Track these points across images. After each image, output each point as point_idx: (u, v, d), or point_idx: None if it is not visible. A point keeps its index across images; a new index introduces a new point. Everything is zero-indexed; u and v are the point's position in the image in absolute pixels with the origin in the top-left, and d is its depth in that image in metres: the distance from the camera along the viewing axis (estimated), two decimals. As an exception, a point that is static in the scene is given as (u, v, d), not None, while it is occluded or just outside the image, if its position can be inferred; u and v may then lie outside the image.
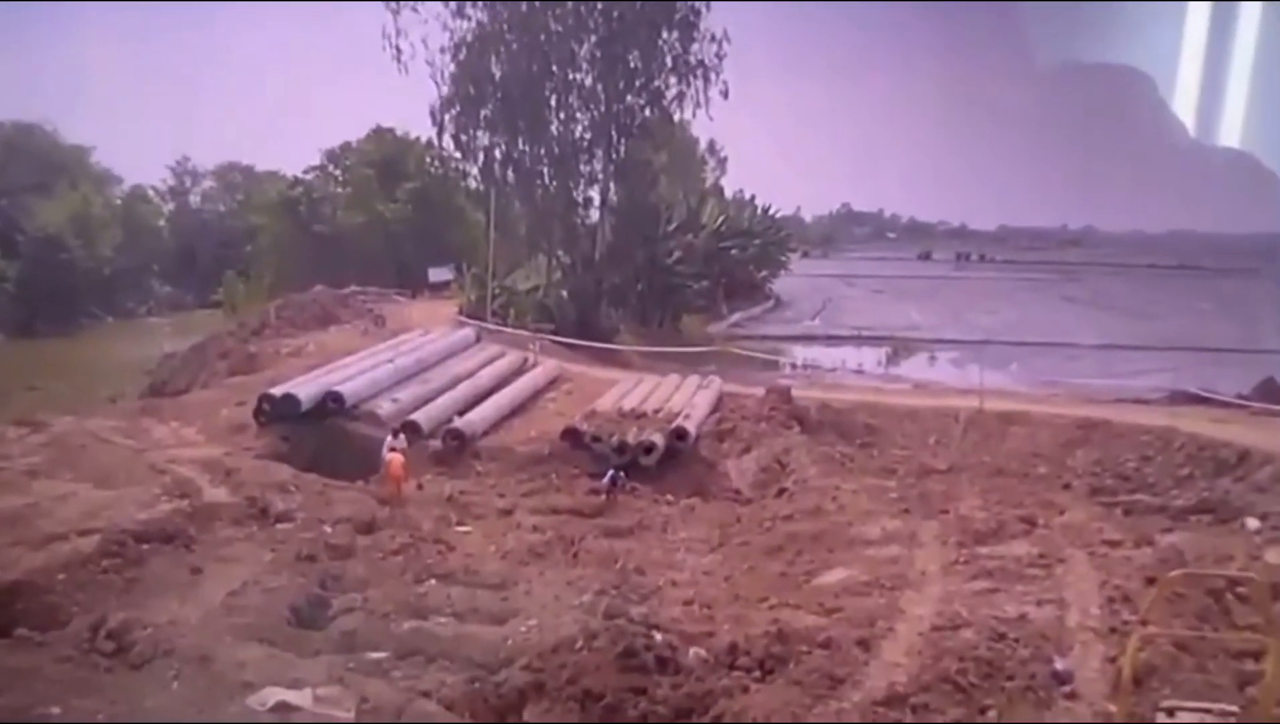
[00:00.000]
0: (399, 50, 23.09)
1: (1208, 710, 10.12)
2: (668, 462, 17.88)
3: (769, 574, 14.24)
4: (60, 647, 11.76)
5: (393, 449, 16.97)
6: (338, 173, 37.03)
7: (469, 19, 22.96)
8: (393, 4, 21.11)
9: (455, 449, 18.80)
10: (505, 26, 22.94)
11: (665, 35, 22.82)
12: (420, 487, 17.23)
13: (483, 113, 22.80)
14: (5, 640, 11.83)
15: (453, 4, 21.24)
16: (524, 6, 21.46)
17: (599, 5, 20.19)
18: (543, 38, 23.06)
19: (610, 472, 17.24)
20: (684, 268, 29.48)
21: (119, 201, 38.37)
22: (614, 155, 24.06)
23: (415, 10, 20.46)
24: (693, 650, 11.80)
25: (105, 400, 21.38)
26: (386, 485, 17.05)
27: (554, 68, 24.02)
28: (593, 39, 22.15)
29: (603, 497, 16.91)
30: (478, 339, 24.64)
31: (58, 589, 12.74)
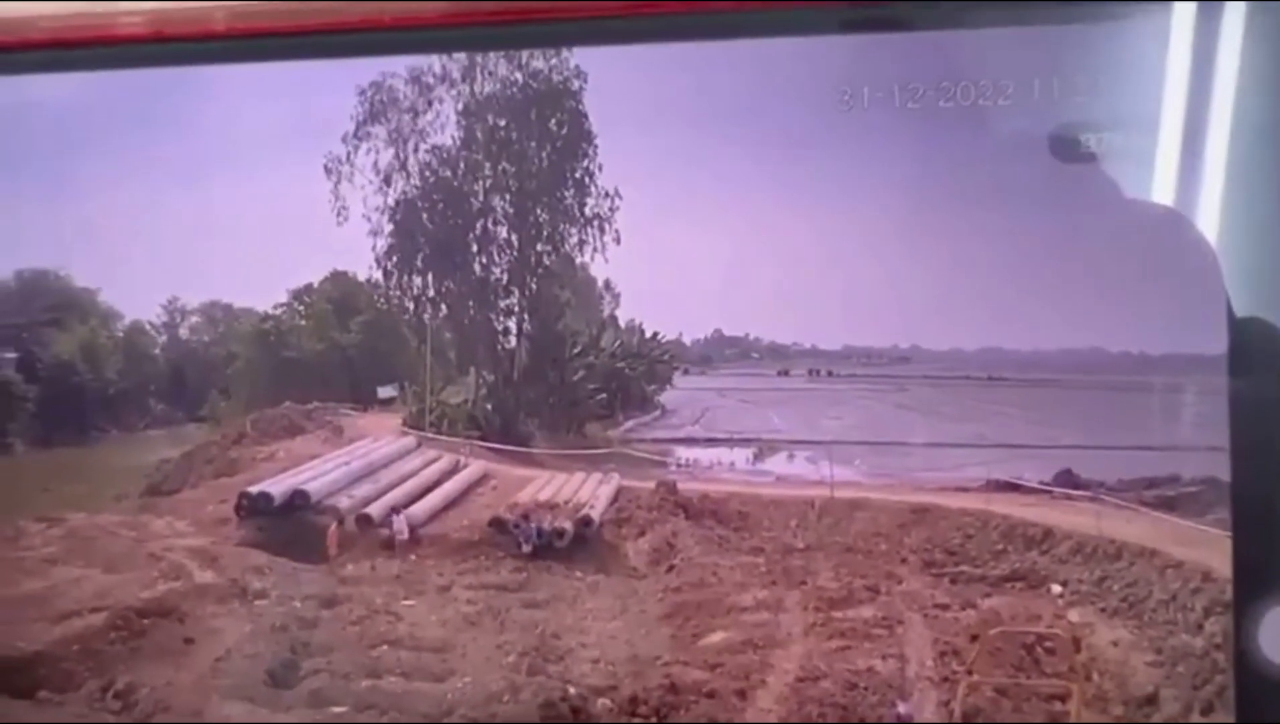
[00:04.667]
0: (340, 211, 22.89)
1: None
2: (576, 545, 17.80)
3: (662, 637, 14.15)
4: (75, 706, 11.91)
5: (340, 523, 17.24)
6: (301, 308, 36.15)
7: (397, 184, 22.92)
8: (332, 175, 21.02)
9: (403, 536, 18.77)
10: (433, 190, 22.84)
11: (565, 193, 22.73)
12: (373, 568, 17.09)
13: (417, 260, 22.66)
14: (29, 701, 11.81)
15: (380, 175, 21.26)
16: (447, 173, 21.44)
17: (511, 170, 20.22)
18: (464, 204, 22.99)
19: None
20: (587, 384, 29.23)
21: (121, 334, 37.31)
22: (527, 293, 23.90)
23: (350, 181, 20.41)
24: (600, 701, 11.82)
25: (111, 499, 21.00)
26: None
27: (475, 222, 23.91)
28: (507, 197, 22.04)
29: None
30: (418, 445, 24.41)
31: (72, 657, 12.56)
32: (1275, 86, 5.59)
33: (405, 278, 20.93)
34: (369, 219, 18.99)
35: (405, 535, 16.96)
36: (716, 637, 13.70)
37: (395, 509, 17.29)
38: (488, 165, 19.78)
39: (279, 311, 24.70)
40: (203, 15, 6.86)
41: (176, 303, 22.85)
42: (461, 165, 19.83)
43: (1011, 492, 16.87)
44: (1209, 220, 5.78)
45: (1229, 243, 5.68)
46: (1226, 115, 5.71)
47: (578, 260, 20.54)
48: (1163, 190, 6.03)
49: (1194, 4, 5.85)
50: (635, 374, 24.55)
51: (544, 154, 19.70)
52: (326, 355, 24.54)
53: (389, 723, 11.81)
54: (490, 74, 17.59)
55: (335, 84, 14.03)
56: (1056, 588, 14.26)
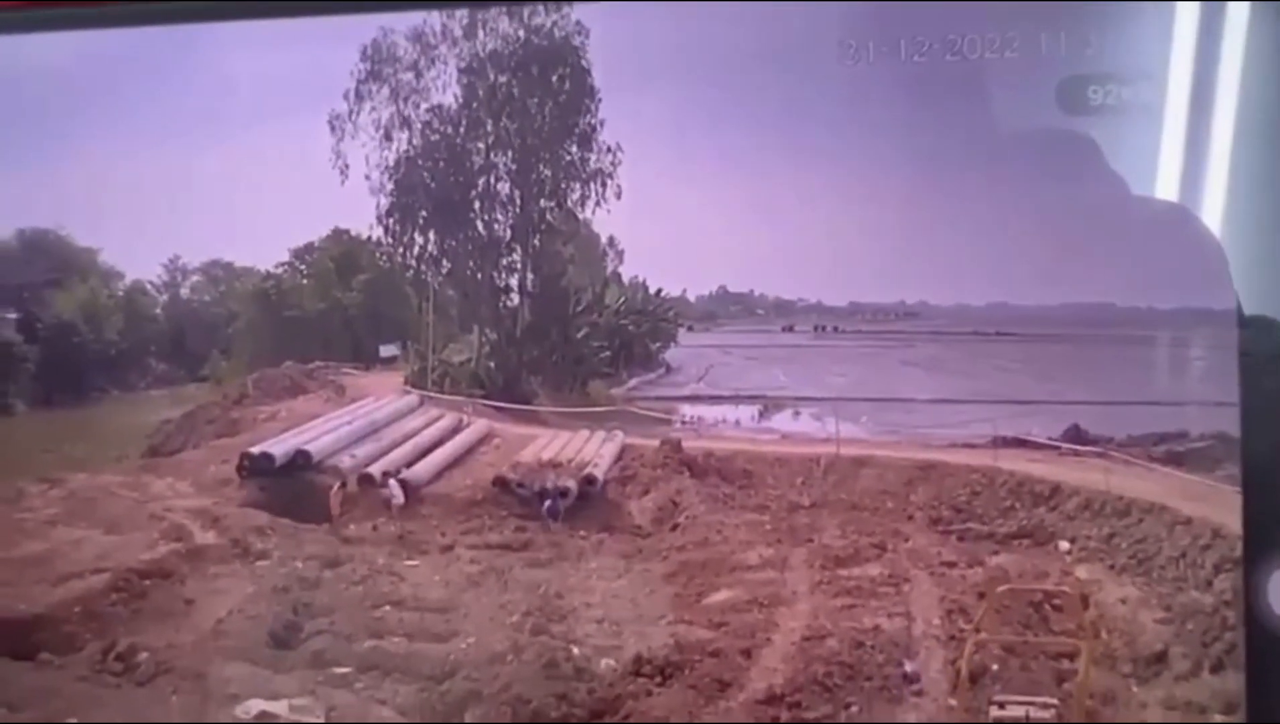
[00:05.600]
0: (345, 166, 22.64)
1: (1031, 703, 10.29)
2: (580, 503, 17.80)
3: (666, 595, 14.18)
4: (76, 668, 11.93)
5: (343, 485, 17.27)
6: (303, 267, 35.91)
7: (399, 142, 22.75)
8: (335, 132, 20.86)
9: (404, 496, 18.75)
10: (434, 148, 22.70)
11: (568, 149, 22.58)
12: (375, 528, 17.10)
13: (419, 217, 22.57)
14: (30, 663, 11.90)
15: (381, 132, 21.11)
16: (449, 130, 21.32)
17: (513, 126, 20.12)
18: (466, 161, 22.81)
19: (549, 501, 17.25)
20: (591, 342, 29.10)
21: (121, 294, 37.12)
22: (530, 249, 23.84)
23: (353, 139, 20.28)
24: (604, 661, 11.88)
25: (112, 460, 20.97)
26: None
27: (478, 179, 23.79)
28: (509, 153, 21.93)
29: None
30: (421, 404, 24.38)
31: (74, 619, 12.66)
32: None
33: (407, 236, 20.91)
34: (370, 177, 18.95)
35: (400, 500, 16.98)
36: (721, 595, 13.70)
37: (387, 474, 17.30)
38: (490, 122, 19.74)
39: (280, 270, 24.61)
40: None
41: (178, 262, 22.72)
42: (463, 123, 19.79)
43: (1019, 448, 16.85)
44: (1218, 175, 5.76)
45: (1238, 196, 5.67)
46: (1235, 71, 5.69)
47: (580, 216, 20.50)
48: (1170, 144, 6.01)
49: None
50: (639, 331, 24.48)
51: (546, 109, 19.66)
52: (328, 314, 24.50)
53: (392, 683, 11.87)
54: (492, 30, 17.55)
55: (337, 43, 14.03)
56: (1065, 545, 14.27)
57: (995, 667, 11.16)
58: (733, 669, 11.68)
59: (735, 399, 23.02)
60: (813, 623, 12.67)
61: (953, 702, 10.73)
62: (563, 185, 20.54)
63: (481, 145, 20.05)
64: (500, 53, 18.26)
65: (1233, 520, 5.99)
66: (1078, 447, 16.21)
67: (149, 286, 22.31)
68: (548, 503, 16.72)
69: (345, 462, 17.78)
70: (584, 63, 17.69)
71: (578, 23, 17.08)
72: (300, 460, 17.77)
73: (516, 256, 21.76)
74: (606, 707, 11.19)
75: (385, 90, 18.75)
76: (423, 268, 22.18)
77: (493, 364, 22.52)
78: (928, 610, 12.93)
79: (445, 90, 18.88)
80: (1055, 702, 10.31)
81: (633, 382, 24.64)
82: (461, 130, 19.96)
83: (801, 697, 10.96)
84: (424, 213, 20.85)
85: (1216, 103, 5.77)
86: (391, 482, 17.09)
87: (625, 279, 23.78)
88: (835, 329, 21.53)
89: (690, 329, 23.27)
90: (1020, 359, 18.39)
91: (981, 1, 6.90)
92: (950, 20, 7.04)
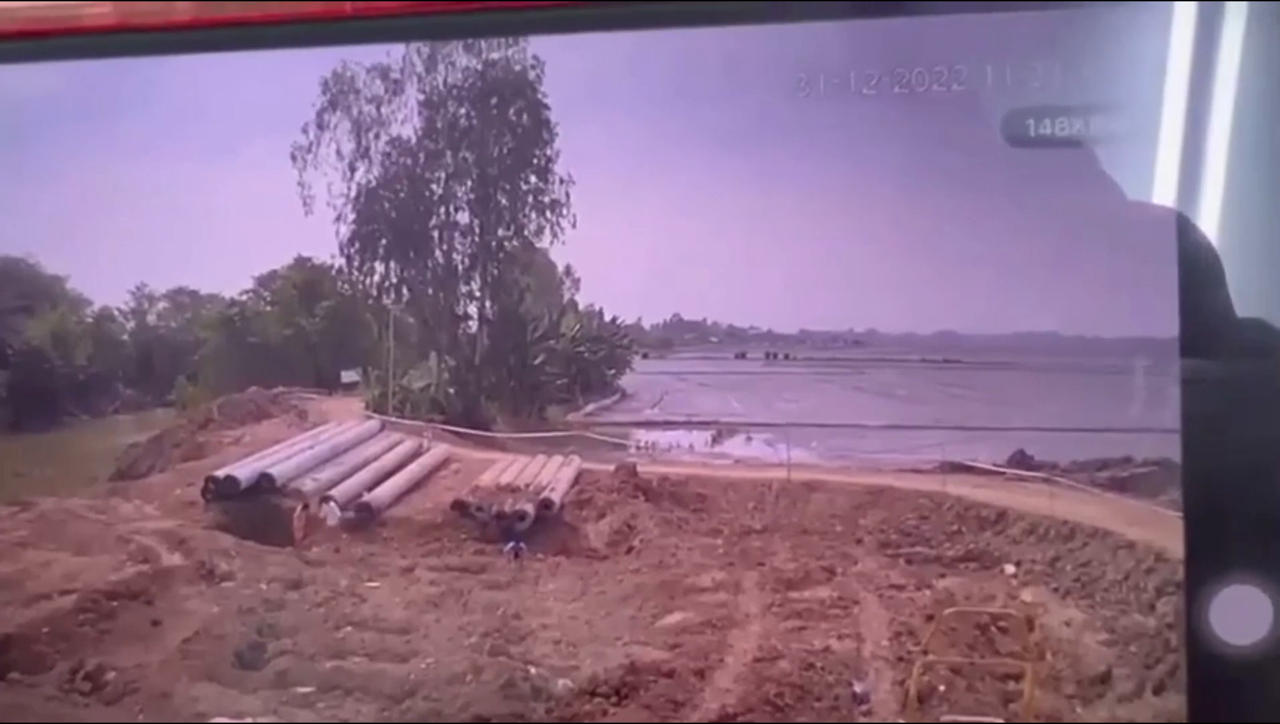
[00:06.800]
0: (305, 199, 22.22)
1: (978, 722, 10.35)
2: (537, 527, 17.78)
3: (622, 617, 14.23)
4: (46, 688, 11.93)
5: (305, 507, 17.26)
6: (267, 294, 35.18)
7: (360, 173, 22.29)
8: (298, 162, 20.41)
9: (365, 519, 18.60)
10: (394, 179, 22.39)
11: (525, 180, 22.22)
12: (337, 550, 17.09)
13: (380, 246, 22.26)
14: (1, 683, 12.03)
15: (345, 162, 20.73)
16: (408, 161, 20.98)
17: (472, 157, 19.78)
18: (425, 191, 22.41)
19: (512, 542, 17.16)
20: (548, 368, 28.80)
21: (90, 320, 36.04)
22: (488, 278, 23.55)
23: (315, 169, 19.93)
24: (561, 681, 11.90)
25: (81, 483, 20.66)
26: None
27: (438, 209, 23.48)
28: (468, 183, 21.59)
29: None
30: (381, 428, 24.16)
31: (43, 640, 12.68)
32: (1237, 77, 5.60)
33: (368, 264, 20.94)
34: (333, 206, 18.95)
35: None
36: (675, 617, 13.69)
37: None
38: (449, 153, 19.83)
39: (244, 297, 24.68)
40: (168, 9, 6.84)
41: (144, 290, 22.74)
42: (423, 154, 19.88)
43: (966, 473, 16.93)
44: (1164, 203, 5.79)
45: (1183, 225, 5.70)
46: (1184, 98, 5.71)
47: (538, 245, 20.60)
48: (1118, 174, 6.03)
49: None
50: (595, 358, 24.52)
51: (504, 142, 19.76)
52: (292, 341, 24.50)
53: (354, 703, 11.86)
54: (451, 64, 17.67)
55: (300, 73, 14.00)
56: (1010, 568, 14.27)
57: (943, 687, 11.16)
58: (686, 690, 11.68)
59: (689, 425, 23.05)
60: (764, 644, 12.66)
61: (901, 721, 10.76)
62: (521, 215, 20.61)
63: (441, 175, 20.13)
64: (459, 85, 18.43)
65: (1175, 544, 5.98)
66: (1023, 472, 16.26)
67: (117, 313, 22.27)
68: (510, 544, 16.65)
69: (308, 485, 17.72)
70: (540, 96, 17.82)
71: (534, 57, 17.23)
72: (264, 483, 17.72)
73: (475, 285, 21.80)
74: (563, 726, 11.24)
75: (346, 122, 18.86)
76: (383, 295, 22.24)
77: (452, 390, 22.51)
78: (877, 632, 12.94)
79: (405, 123, 19.00)
80: (1001, 722, 10.33)
81: (589, 407, 24.66)
82: (421, 161, 20.02)
83: (753, 716, 10.95)
84: (384, 242, 20.90)
85: (1170, 133, 5.81)
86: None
87: (581, 307, 23.86)
88: (786, 356, 21.55)
89: (645, 356, 23.29)
90: (969, 386, 18.44)
91: (926, 18, 6.92)
92: (897, 52, 7.06)
